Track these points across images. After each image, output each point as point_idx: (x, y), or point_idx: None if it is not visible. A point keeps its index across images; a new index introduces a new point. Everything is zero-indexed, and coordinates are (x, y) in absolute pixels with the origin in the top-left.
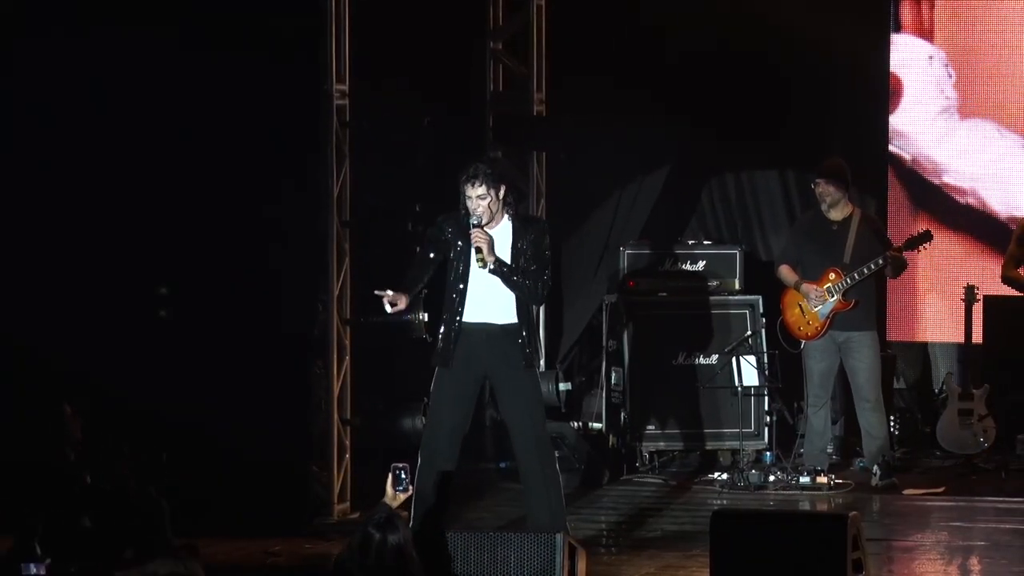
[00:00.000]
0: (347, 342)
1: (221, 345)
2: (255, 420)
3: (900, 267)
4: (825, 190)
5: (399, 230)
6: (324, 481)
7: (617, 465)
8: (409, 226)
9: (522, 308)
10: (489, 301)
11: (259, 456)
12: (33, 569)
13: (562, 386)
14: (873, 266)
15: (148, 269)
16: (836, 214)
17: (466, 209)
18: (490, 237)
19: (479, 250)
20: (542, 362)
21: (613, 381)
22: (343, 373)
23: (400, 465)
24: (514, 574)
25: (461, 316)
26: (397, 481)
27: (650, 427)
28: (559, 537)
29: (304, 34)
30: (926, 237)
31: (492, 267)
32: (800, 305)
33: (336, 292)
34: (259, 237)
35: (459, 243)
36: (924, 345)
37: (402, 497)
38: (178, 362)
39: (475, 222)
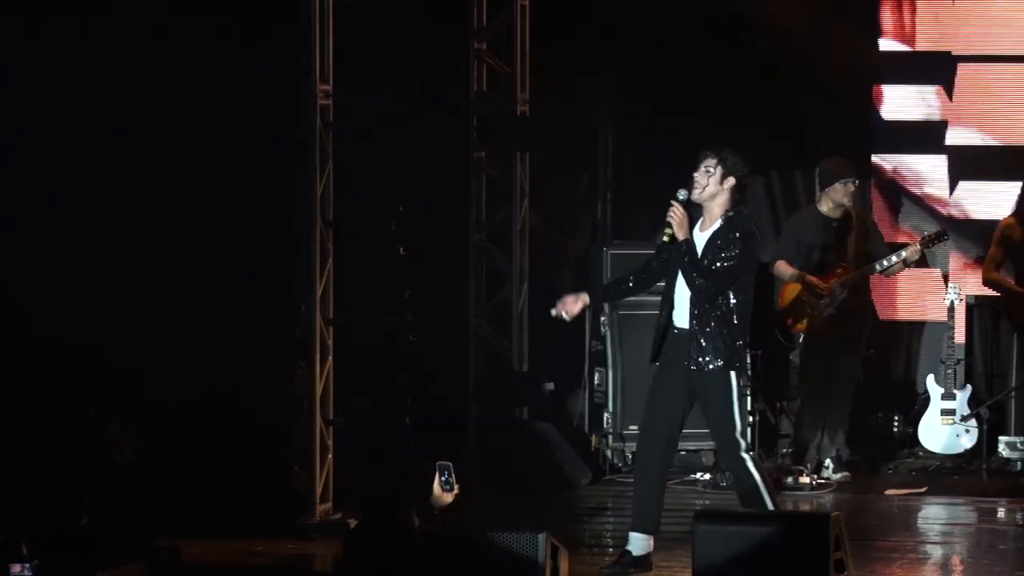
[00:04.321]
0: (330, 342)
1: (204, 344)
2: (239, 419)
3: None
4: (855, 190)
5: (383, 230)
6: (306, 481)
7: (600, 465)
8: (393, 226)
9: (712, 310)
10: (688, 306)
11: (243, 456)
12: (21, 570)
13: (547, 385)
14: (895, 258)
15: (130, 272)
16: (839, 212)
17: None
18: (683, 216)
19: (668, 224)
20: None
21: (596, 381)
22: (326, 373)
23: (445, 464)
24: (497, 574)
25: (670, 319)
26: (444, 480)
27: (633, 427)
28: (542, 537)
29: (289, 34)
30: (942, 236)
31: (669, 243)
32: (803, 299)
33: (319, 292)
34: (249, 237)
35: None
36: (907, 346)
37: (449, 497)
38: (161, 361)
39: (681, 197)
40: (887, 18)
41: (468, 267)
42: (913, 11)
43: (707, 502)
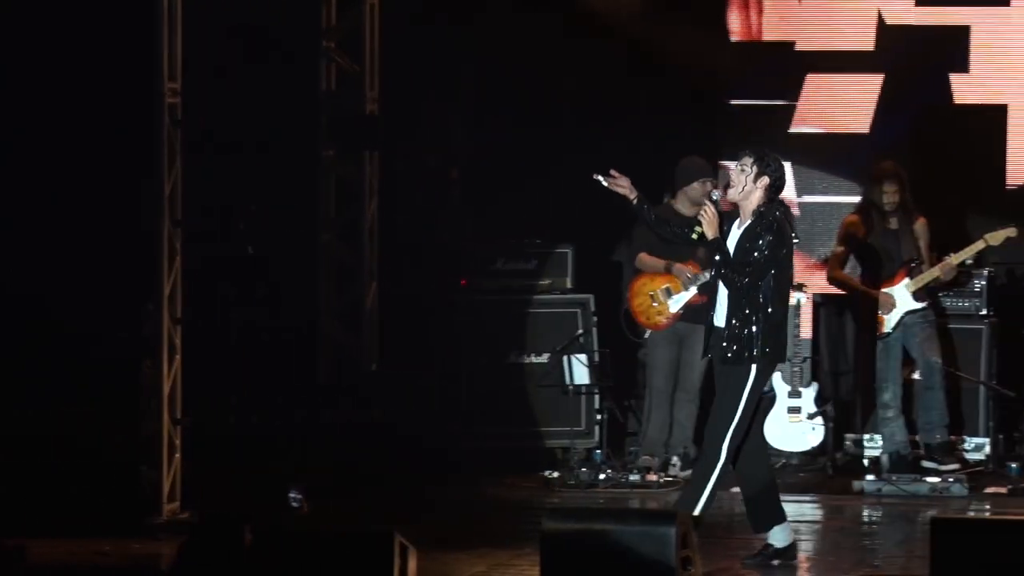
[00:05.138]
0: (178, 341)
1: (51, 343)
2: (85, 419)
3: None
4: (712, 189)
5: (232, 229)
6: (153, 480)
7: (449, 463)
8: (241, 225)
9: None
10: (723, 303)
11: (89, 455)
12: None
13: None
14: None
15: None
16: (694, 211)
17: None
18: (714, 215)
19: (699, 223)
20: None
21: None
22: (174, 372)
23: (293, 493)
24: (345, 574)
25: (711, 317)
26: (292, 497)
27: (481, 425)
28: (390, 536)
29: (137, 31)
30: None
31: (699, 240)
32: (651, 294)
33: (167, 291)
34: (97, 235)
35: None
36: None
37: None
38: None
39: (715, 197)
40: (735, 19)
41: (317, 266)
42: (760, 11)
43: (555, 500)
